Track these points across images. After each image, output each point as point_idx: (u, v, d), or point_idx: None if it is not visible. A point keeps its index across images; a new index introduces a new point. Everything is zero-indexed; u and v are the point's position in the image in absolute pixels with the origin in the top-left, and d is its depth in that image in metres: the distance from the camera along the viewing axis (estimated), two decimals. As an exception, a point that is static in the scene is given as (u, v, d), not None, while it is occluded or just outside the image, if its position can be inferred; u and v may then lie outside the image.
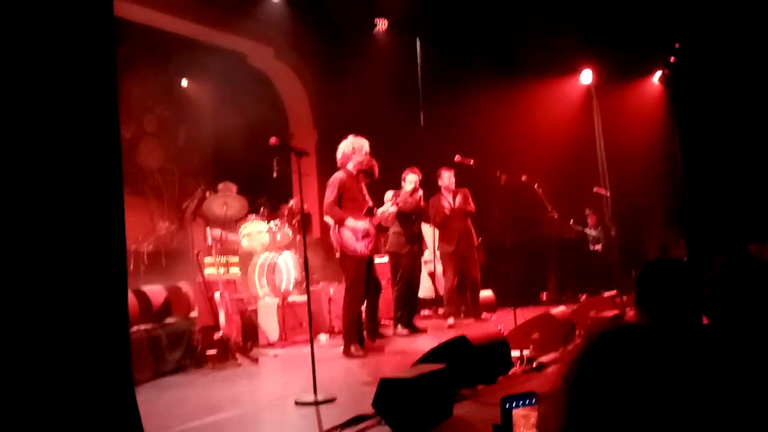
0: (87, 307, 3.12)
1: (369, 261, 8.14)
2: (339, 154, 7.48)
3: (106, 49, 3.38)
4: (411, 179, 8.79)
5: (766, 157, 10.52)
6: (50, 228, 3.01)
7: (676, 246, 11.47)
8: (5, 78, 2.88)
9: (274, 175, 9.54)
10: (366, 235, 7.27)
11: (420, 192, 8.80)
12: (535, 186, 9.00)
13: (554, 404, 0.98)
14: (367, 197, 7.60)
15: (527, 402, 1.53)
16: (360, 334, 7.96)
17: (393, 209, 8.43)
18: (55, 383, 2.92)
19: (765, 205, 10.04)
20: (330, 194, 7.24)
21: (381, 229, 8.44)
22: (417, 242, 9.09)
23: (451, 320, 9.06)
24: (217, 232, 8.80)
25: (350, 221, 7.18)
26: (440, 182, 9.36)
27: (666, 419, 0.91)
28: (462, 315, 10.02)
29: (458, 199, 9.26)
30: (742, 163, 10.78)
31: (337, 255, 7.37)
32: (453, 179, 9.30)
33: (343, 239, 7.16)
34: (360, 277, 7.27)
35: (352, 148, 7.42)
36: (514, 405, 1.52)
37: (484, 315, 9.39)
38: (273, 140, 6.09)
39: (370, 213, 7.44)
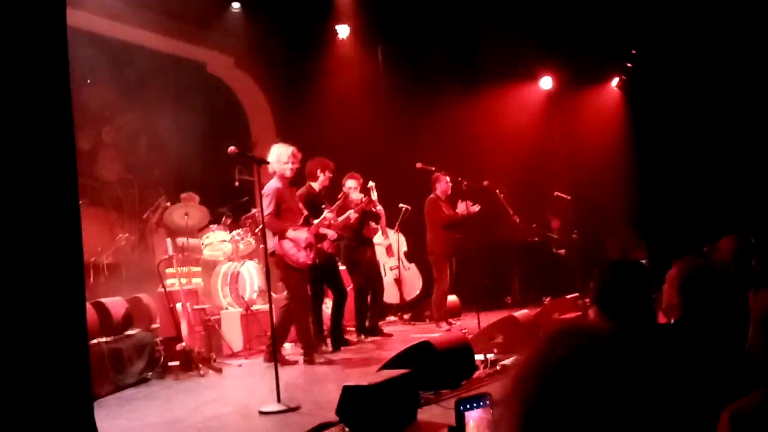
0: (43, 320, 3.06)
1: (331, 268, 8.13)
2: (273, 163, 7.14)
3: (58, 59, 3.33)
4: (351, 185, 8.69)
5: (718, 161, 10.76)
6: (4, 239, 2.96)
7: (636, 249, 11.64)
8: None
9: (236, 184, 9.49)
10: (308, 245, 7.21)
11: (364, 197, 8.67)
12: (497, 191, 9.07)
13: (507, 407, 0.97)
14: (301, 206, 7.50)
15: (481, 404, 1.54)
16: (328, 337, 7.99)
17: (355, 215, 8.44)
18: (9, 400, 2.86)
19: (719, 207, 10.25)
20: (268, 205, 7.01)
21: (340, 238, 8.42)
22: (369, 247, 9.04)
23: (445, 325, 8.97)
24: (180, 241, 8.72)
25: (291, 232, 7.07)
26: (438, 187, 9.17)
27: (620, 420, 0.91)
28: (426, 321, 10.05)
29: (460, 206, 9.09)
30: (696, 166, 11.02)
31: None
32: (450, 185, 9.12)
33: (285, 250, 7.06)
34: (304, 287, 7.21)
35: (287, 157, 7.27)
36: (468, 407, 1.53)
37: (452, 320, 9.33)
38: (232, 149, 6.06)
39: (307, 222, 7.36)
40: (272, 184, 7.20)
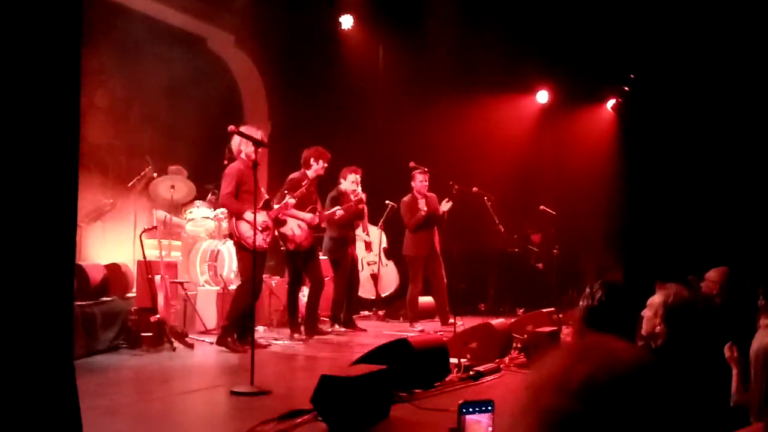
0: (34, 278, 3.04)
1: (310, 257, 8.12)
2: (235, 144, 7.22)
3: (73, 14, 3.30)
4: (352, 179, 8.72)
5: (704, 193, 10.90)
6: (3, 193, 2.93)
7: (612, 270, 11.75)
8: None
9: (225, 162, 9.44)
10: (265, 228, 7.19)
11: (362, 194, 8.73)
12: (485, 198, 9.12)
13: (522, 418, 0.94)
14: (263, 190, 7.48)
15: (484, 409, 1.56)
16: (302, 325, 7.96)
17: (340, 212, 8.45)
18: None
19: (699, 238, 10.39)
20: (227, 185, 7.05)
21: (318, 229, 8.42)
22: (352, 244, 9.08)
23: (419, 326, 8.96)
24: (162, 214, 8.67)
25: (248, 214, 6.89)
26: (413, 184, 9.15)
27: None
28: (400, 319, 10.08)
29: (430, 203, 9.07)
30: (681, 196, 11.16)
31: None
32: (426, 183, 9.11)
33: (241, 232, 7.01)
34: (256, 271, 7.10)
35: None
36: (471, 411, 1.54)
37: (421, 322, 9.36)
38: (231, 128, 6.04)
39: (266, 206, 7.34)
40: (234, 165, 7.20)
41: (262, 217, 7.12)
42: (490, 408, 1.56)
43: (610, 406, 0.89)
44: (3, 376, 2.88)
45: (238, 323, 7.05)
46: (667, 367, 0.97)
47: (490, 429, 1.56)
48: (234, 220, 7.08)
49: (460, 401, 1.58)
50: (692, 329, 3.25)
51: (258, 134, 7.05)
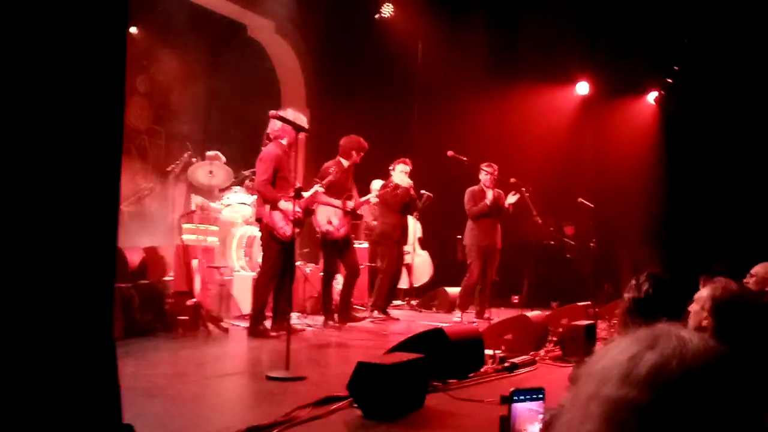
0: (76, 259, 3.07)
1: (345, 244, 8.11)
2: (275, 126, 7.00)
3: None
4: (402, 169, 8.78)
5: (745, 190, 10.68)
6: (48, 176, 2.96)
7: (650, 265, 11.58)
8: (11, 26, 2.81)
9: (263, 148, 9.49)
10: (296, 219, 7.14)
11: (410, 183, 8.75)
12: (523, 189, 9.03)
13: (582, 407, 0.90)
14: (294, 178, 7.32)
15: (535, 397, 1.53)
16: (336, 312, 7.97)
17: (374, 200, 8.47)
18: (35, 335, 2.88)
19: (738, 235, 10.19)
20: (264, 171, 6.88)
21: (355, 216, 8.43)
22: (404, 233, 9.10)
23: (457, 316, 8.92)
24: (200, 199, 8.73)
25: (283, 203, 6.85)
26: (481, 176, 9.12)
27: None
28: (433, 309, 10.06)
29: (497, 197, 9.05)
30: (722, 191, 10.94)
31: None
32: (494, 176, 9.04)
33: (274, 221, 6.95)
34: (280, 259, 6.93)
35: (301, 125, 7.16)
36: (521, 398, 1.52)
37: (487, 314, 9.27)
38: (272, 113, 6.05)
39: (298, 194, 7.27)
40: (272, 150, 7.03)
41: (293, 206, 7.08)
42: (541, 396, 1.53)
43: (683, 397, 0.85)
44: (47, 356, 2.92)
45: (263, 311, 7.02)
46: (740, 359, 0.93)
47: (541, 417, 1.53)
48: (268, 208, 6.97)
49: (512, 389, 1.55)
50: (741, 324, 3.16)
51: (302, 119, 7.01)
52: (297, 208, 7.06)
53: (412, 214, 9.49)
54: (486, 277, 9.15)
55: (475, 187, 9.12)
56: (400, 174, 8.75)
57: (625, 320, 3.22)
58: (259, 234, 7.63)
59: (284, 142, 7.08)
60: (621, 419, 0.86)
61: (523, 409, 1.51)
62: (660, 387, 0.86)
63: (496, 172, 8.94)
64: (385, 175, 9.16)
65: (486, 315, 8.95)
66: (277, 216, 6.90)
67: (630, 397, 0.87)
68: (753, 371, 0.91)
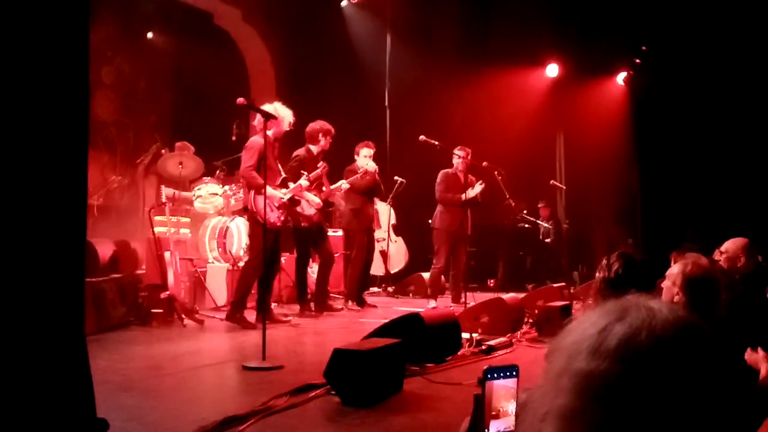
0: (44, 253, 3.01)
1: (318, 232, 8.08)
2: (258, 119, 7.00)
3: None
4: (366, 153, 8.65)
5: (715, 167, 10.80)
6: (14, 170, 2.89)
7: (623, 245, 11.69)
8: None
9: (233, 138, 9.39)
10: (282, 205, 7.16)
11: (375, 167, 8.65)
12: (495, 173, 9.02)
13: (553, 381, 0.90)
14: (280, 168, 7.44)
15: (509, 374, 1.52)
16: (312, 301, 7.95)
17: (346, 186, 8.39)
18: (7, 325, 2.82)
19: (710, 212, 10.30)
20: (249, 158, 6.99)
21: (327, 204, 8.38)
22: (372, 219, 9.01)
23: (433, 303, 8.89)
24: (171, 191, 8.63)
25: (269, 190, 6.84)
26: (454, 161, 9.05)
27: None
28: (410, 295, 10.07)
29: (468, 182, 8.92)
30: (693, 170, 11.05)
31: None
32: (468, 160, 8.95)
33: (258, 208, 6.95)
34: (265, 248, 6.96)
35: (280, 116, 7.19)
36: (495, 376, 1.50)
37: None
38: (241, 100, 5.97)
39: (284, 184, 7.30)
40: (257, 139, 7.09)
41: (278, 194, 7.09)
42: (515, 373, 1.52)
43: (653, 367, 0.85)
44: (17, 352, 2.86)
45: (244, 299, 7.03)
46: (709, 328, 0.93)
47: (515, 394, 1.52)
48: (253, 194, 6.99)
49: (485, 366, 1.53)
50: (711, 299, 3.19)
51: (290, 115, 7.18)
52: (282, 195, 7.09)
53: (379, 199, 9.39)
54: (458, 261, 9.13)
55: (449, 171, 9.08)
56: (365, 158, 8.61)
57: (597, 299, 3.24)
58: (244, 224, 7.64)
59: (270, 133, 7.06)
60: (592, 392, 0.86)
61: (498, 386, 1.50)
62: (630, 358, 0.85)
63: (469, 156, 8.91)
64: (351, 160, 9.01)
65: (462, 299, 8.97)
66: (261, 202, 6.87)
67: (601, 369, 0.86)
68: (721, 341, 0.90)
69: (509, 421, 1.52)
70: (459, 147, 8.98)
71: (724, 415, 0.87)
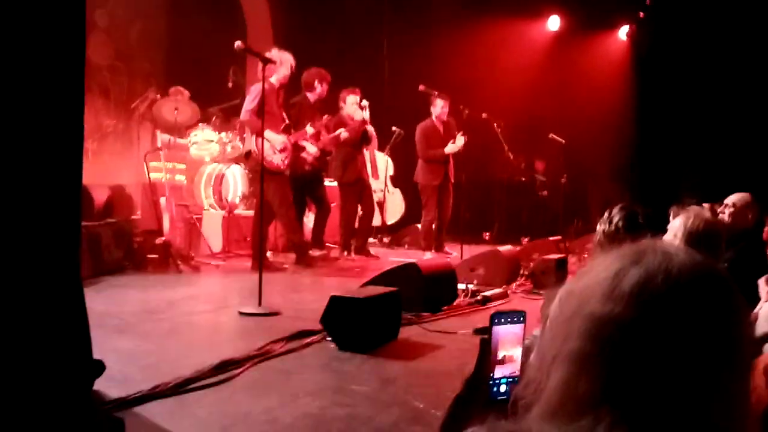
0: (41, 196, 2.97)
1: (316, 181, 8.04)
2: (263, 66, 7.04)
3: None
4: (353, 100, 8.38)
5: (716, 125, 10.74)
6: (11, 114, 2.83)
7: (620, 200, 11.65)
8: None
9: (229, 85, 9.28)
10: (284, 149, 7.12)
11: (364, 115, 8.41)
12: (495, 125, 8.94)
13: (562, 326, 0.88)
14: (285, 115, 7.41)
15: (516, 320, 1.50)
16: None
17: (345, 134, 8.26)
18: (3, 269, 2.79)
19: (702, 168, 10.28)
20: (250, 102, 6.98)
21: (325, 153, 8.28)
22: (361, 170, 8.89)
23: (428, 254, 8.78)
24: (166, 137, 8.54)
25: (269, 132, 6.85)
26: (433, 110, 8.90)
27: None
28: (405, 247, 10.07)
29: (448, 130, 8.85)
30: (693, 127, 10.99)
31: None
32: (447, 109, 8.84)
33: (261, 151, 6.92)
34: (282, 191, 7.15)
35: (280, 61, 7.12)
36: (502, 321, 1.48)
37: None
38: (238, 44, 5.86)
39: (287, 131, 7.25)
40: (259, 85, 7.00)
41: (280, 138, 7.07)
42: (522, 319, 1.49)
43: (668, 311, 0.83)
44: (14, 293, 2.84)
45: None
46: (726, 273, 0.90)
47: (522, 340, 1.50)
48: (254, 138, 6.96)
49: (493, 311, 1.51)
50: (712, 254, 3.17)
51: (291, 60, 7.22)
52: (285, 139, 7.08)
53: (376, 149, 9.31)
54: (444, 213, 9.10)
55: (427, 123, 8.92)
56: (352, 106, 8.38)
57: (597, 252, 3.22)
58: (240, 171, 7.76)
59: (273, 79, 7.01)
60: (605, 335, 0.84)
61: (504, 332, 1.48)
62: (645, 302, 0.83)
63: (447, 106, 8.76)
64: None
65: (445, 249, 8.94)
66: (266, 146, 6.83)
67: (614, 313, 0.84)
68: (737, 285, 0.88)
69: (515, 366, 1.50)
70: (441, 95, 8.81)
71: (738, 358, 0.86)
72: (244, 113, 7.06)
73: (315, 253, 7.91)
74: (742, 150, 10.27)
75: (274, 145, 6.99)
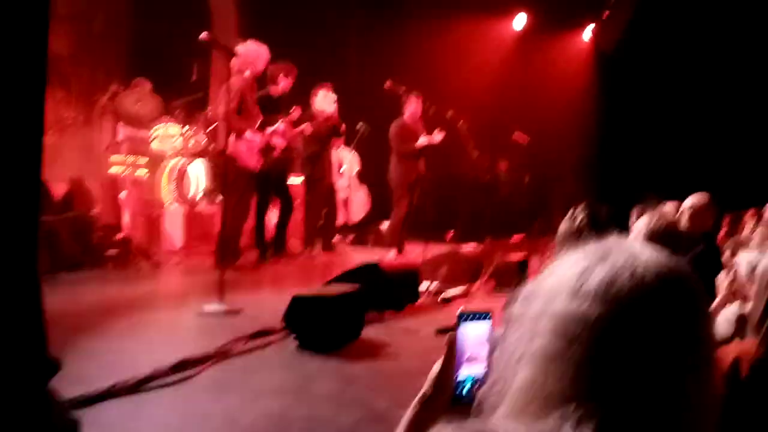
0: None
1: (280, 177, 7.97)
2: (237, 60, 6.82)
3: None
4: (324, 95, 8.39)
5: (678, 127, 10.92)
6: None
7: (582, 199, 11.76)
8: None
9: (193, 78, 9.16)
10: (261, 150, 7.06)
11: (334, 108, 8.36)
12: (459, 123, 8.94)
13: (534, 322, 0.88)
14: (259, 111, 7.32)
15: (482, 318, 1.50)
16: (271, 246, 7.88)
17: (309, 129, 8.21)
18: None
19: (666, 169, 10.44)
20: (231, 100, 6.76)
21: (290, 149, 8.22)
22: (328, 165, 8.84)
23: (392, 253, 8.66)
24: (128, 130, 8.40)
25: (248, 133, 6.80)
26: (407, 108, 8.78)
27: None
28: (369, 245, 10.05)
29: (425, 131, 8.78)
30: (654, 128, 11.16)
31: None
32: (420, 106, 8.73)
33: (240, 152, 6.84)
34: (247, 193, 7.05)
35: (256, 54, 7.02)
36: (469, 319, 1.48)
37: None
38: (204, 35, 5.76)
39: (262, 127, 7.16)
40: (235, 82, 6.89)
41: (258, 137, 6.98)
42: (488, 318, 1.49)
43: (634, 309, 0.84)
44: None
45: (232, 247, 6.94)
46: (690, 271, 0.91)
47: (488, 339, 1.50)
48: (234, 138, 6.79)
49: (459, 309, 1.50)
50: (674, 252, 3.20)
51: (262, 50, 7.11)
52: (261, 139, 7.00)
53: (343, 144, 9.27)
54: (409, 206, 9.05)
55: (402, 121, 8.89)
56: (324, 100, 8.36)
57: (560, 251, 3.23)
58: (202, 166, 7.91)
59: (247, 74, 6.89)
60: (572, 333, 0.84)
61: (471, 331, 1.47)
62: (611, 299, 0.84)
63: (420, 103, 8.75)
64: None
65: (406, 248, 8.91)
66: (242, 146, 6.75)
67: (581, 310, 0.85)
68: (702, 284, 0.90)
69: (481, 366, 1.50)
70: (405, 90, 8.77)
71: (702, 355, 0.87)
72: (224, 113, 6.75)
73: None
74: (704, 148, 10.46)
75: (253, 146, 6.88)
